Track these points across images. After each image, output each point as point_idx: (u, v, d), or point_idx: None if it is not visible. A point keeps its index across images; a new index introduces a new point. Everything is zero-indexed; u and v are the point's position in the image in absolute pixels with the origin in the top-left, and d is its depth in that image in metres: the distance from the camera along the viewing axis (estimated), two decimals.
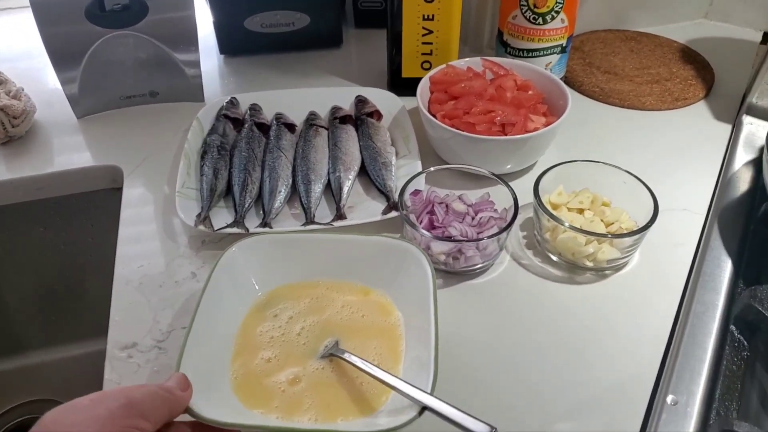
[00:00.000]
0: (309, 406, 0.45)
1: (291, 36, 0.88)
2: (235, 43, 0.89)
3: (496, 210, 0.59)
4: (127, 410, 0.35)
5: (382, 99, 0.75)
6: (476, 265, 0.57)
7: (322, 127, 0.72)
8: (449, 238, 0.56)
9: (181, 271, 0.58)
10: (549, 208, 0.58)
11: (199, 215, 0.60)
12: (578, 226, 0.56)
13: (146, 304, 0.55)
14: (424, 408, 0.40)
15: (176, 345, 0.52)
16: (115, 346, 0.52)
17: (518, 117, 0.65)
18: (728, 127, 0.76)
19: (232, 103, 0.75)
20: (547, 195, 0.60)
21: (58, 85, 0.74)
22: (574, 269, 0.58)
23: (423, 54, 0.77)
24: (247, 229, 0.59)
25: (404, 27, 0.74)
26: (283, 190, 0.64)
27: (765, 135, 0.71)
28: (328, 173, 0.66)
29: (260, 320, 0.51)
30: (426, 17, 0.74)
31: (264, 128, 0.72)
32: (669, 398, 0.46)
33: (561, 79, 0.77)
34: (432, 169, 0.63)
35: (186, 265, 0.59)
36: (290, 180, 0.66)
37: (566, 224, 0.55)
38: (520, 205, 0.57)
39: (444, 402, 0.39)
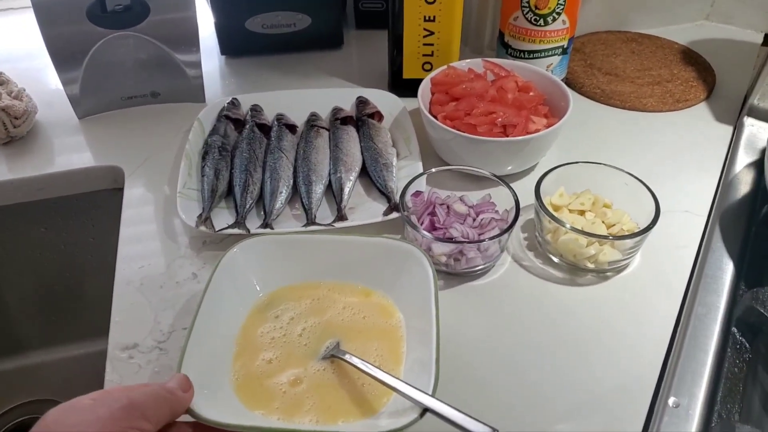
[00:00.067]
0: (310, 407, 0.45)
1: (292, 37, 0.88)
2: (236, 43, 0.89)
3: (497, 211, 0.59)
4: (128, 411, 0.35)
5: (383, 100, 0.75)
6: (477, 266, 0.57)
7: (323, 128, 0.72)
8: (450, 240, 0.56)
9: (182, 271, 0.58)
10: (550, 209, 0.58)
11: (200, 216, 0.60)
12: (579, 228, 0.56)
13: (147, 304, 0.55)
14: (426, 410, 0.39)
15: (177, 346, 0.52)
16: (116, 347, 0.52)
17: (519, 118, 0.65)
18: (729, 129, 0.76)
19: (233, 103, 0.75)
20: (548, 196, 0.60)
21: (60, 86, 0.74)
22: (575, 271, 0.58)
23: (424, 55, 0.77)
24: (248, 230, 0.59)
25: (405, 28, 0.74)
26: (284, 191, 0.64)
27: (766, 137, 0.71)
28: (329, 174, 0.66)
29: (261, 321, 0.51)
30: (427, 18, 0.74)
31: (265, 129, 0.72)
32: (671, 400, 0.46)
33: (562, 80, 0.77)
34: (433, 170, 0.63)
35: (187, 266, 0.59)
36: (291, 181, 0.65)
37: (567, 226, 0.55)
38: (521, 207, 0.57)
39: (445, 404, 0.39)
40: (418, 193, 0.60)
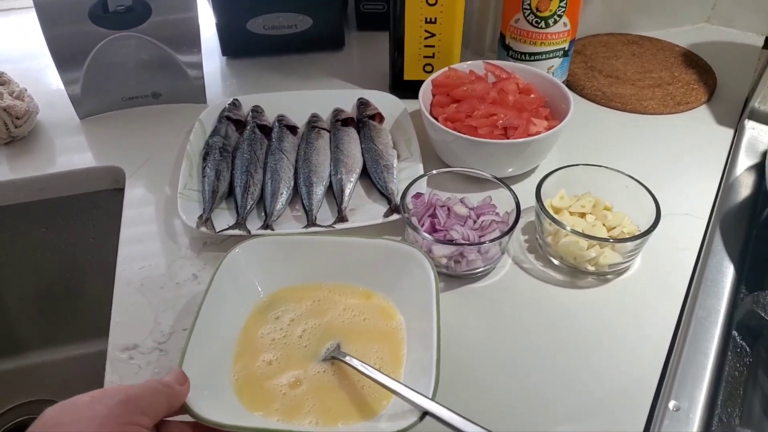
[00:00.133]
0: (309, 409, 0.45)
1: (293, 38, 0.88)
2: (237, 44, 0.89)
3: (497, 213, 0.59)
4: (125, 406, 0.35)
5: (384, 101, 0.75)
6: (478, 268, 0.57)
7: (323, 129, 0.72)
8: (451, 242, 0.56)
9: (183, 272, 0.58)
10: (551, 211, 0.58)
11: (200, 217, 0.60)
12: (580, 231, 0.56)
13: (147, 305, 0.55)
14: (425, 413, 0.39)
15: (177, 347, 0.52)
16: (116, 348, 0.52)
17: (520, 120, 0.65)
18: (730, 132, 0.76)
19: (235, 104, 0.75)
20: (549, 199, 0.60)
21: (61, 86, 0.74)
22: (575, 273, 0.58)
23: (425, 57, 0.77)
24: (249, 231, 0.59)
25: (407, 30, 0.74)
26: (284, 192, 0.64)
27: (767, 140, 0.71)
28: (330, 175, 0.66)
29: (262, 322, 0.51)
30: (428, 20, 0.74)
31: (266, 130, 0.72)
32: (671, 404, 0.46)
33: (563, 82, 0.77)
34: (434, 172, 0.63)
35: (187, 267, 0.59)
36: (292, 182, 0.66)
37: (568, 228, 0.55)
38: (521, 209, 0.57)
39: (445, 407, 0.39)
40: (418, 195, 0.60)
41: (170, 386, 0.39)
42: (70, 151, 0.73)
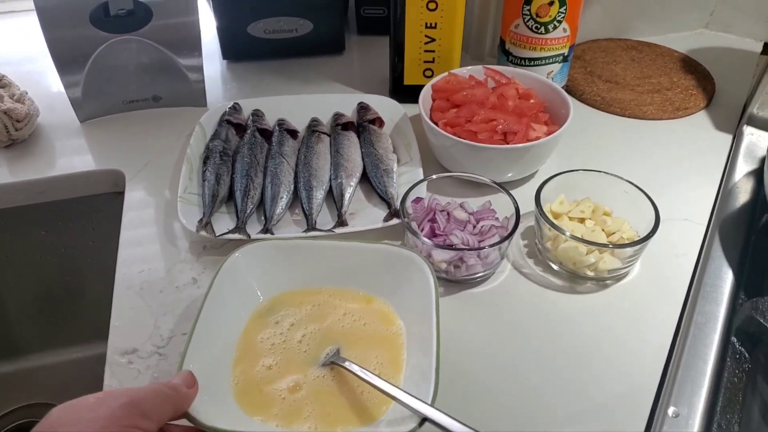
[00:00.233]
0: (309, 414, 0.45)
1: (294, 42, 0.88)
2: (238, 48, 0.89)
3: (497, 218, 0.59)
4: (128, 409, 0.35)
5: (384, 106, 0.76)
6: (477, 273, 0.57)
7: (324, 133, 0.72)
8: (450, 247, 0.56)
9: (182, 276, 0.58)
10: (550, 217, 0.58)
11: (200, 221, 0.60)
12: (579, 236, 0.56)
13: (147, 309, 0.55)
14: (425, 419, 0.40)
15: (177, 351, 0.52)
16: (115, 352, 0.52)
17: (520, 126, 0.65)
18: (729, 138, 0.76)
19: (235, 108, 0.75)
20: (548, 204, 0.60)
21: (62, 89, 0.74)
22: (575, 279, 0.58)
23: (425, 62, 0.77)
24: (249, 235, 0.59)
25: (407, 35, 0.75)
26: (284, 196, 0.64)
27: (766, 146, 0.72)
28: (330, 180, 0.67)
29: (262, 327, 0.51)
30: (428, 25, 0.74)
31: (266, 134, 0.72)
32: (670, 410, 0.46)
33: (562, 87, 0.77)
34: (434, 176, 0.63)
35: (187, 271, 0.59)
36: (292, 186, 0.66)
37: (567, 234, 0.55)
38: (521, 214, 0.57)
39: (444, 413, 0.39)
40: (418, 200, 0.61)
41: (177, 389, 0.39)
42: (71, 154, 0.74)
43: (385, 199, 0.64)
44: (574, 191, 0.62)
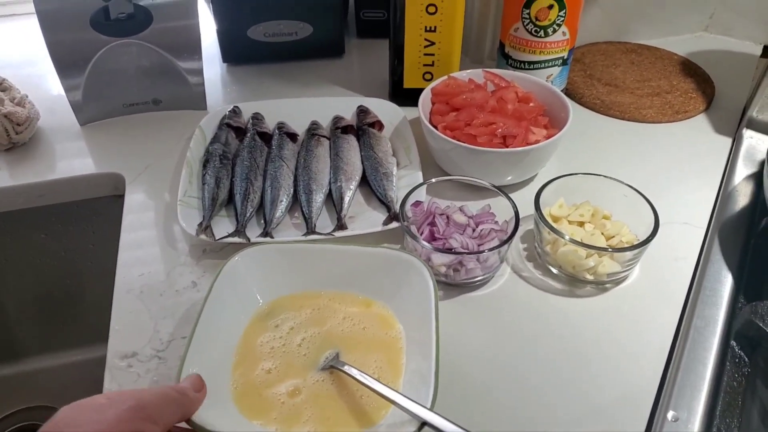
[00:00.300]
0: (308, 418, 0.45)
1: (294, 45, 0.88)
2: (238, 51, 0.89)
3: (496, 222, 0.59)
4: (134, 413, 0.35)
5: (384, 109, 0.76)
6: (477, 277, 0.57)
7: (323, 136, 0.72)
8: (450, 250, 0.56)
9: (182, 280, 0.58)
10: (550, 220, 0.58)
11: (200, 224, 0.60)
12: (579, 240, 0.56)
13: (146, 313, 0.55)
14: (424, 423, 0.40)
15: (176, 355, 0.52)
16: (114, 356, 0.52)
17: (519, 129, 0.65)
18: (728, 141, 0.76)
19: (235, 111, 0.75)
20: (547, 207, 0.61)
21: (62, 92, 0.75)
22: (574, 282, 0.58)
23: (425, 65, 0.77)
24: (249, 239, 0.59)
25: (406, 38, 0.75)
26: (284, 200, 0.64)
27: (765, 149, 0.72)
28: (330, 183, 0.67)
29: (261, 330, 0.51)
30: (428, 29, 0.74)
31: (266, 137, 0.72)
32: (670, 414, 0.46)
33: (562, 91, 0.77)
34: (433, 180, 0.63)
35: (187, 274, 0.59)
36: (292, 189, 0.66)
37: (567, 237, 0.55)
38: (520, 217, 0.57)
39: (444, 418, 0.39)
40: (417, 203, 0.61)
41: (185, 393, 0.40)
42: (71, 158, 0.74)
43: (385, 203, 0.64)
44: (573, 195, 0.62)
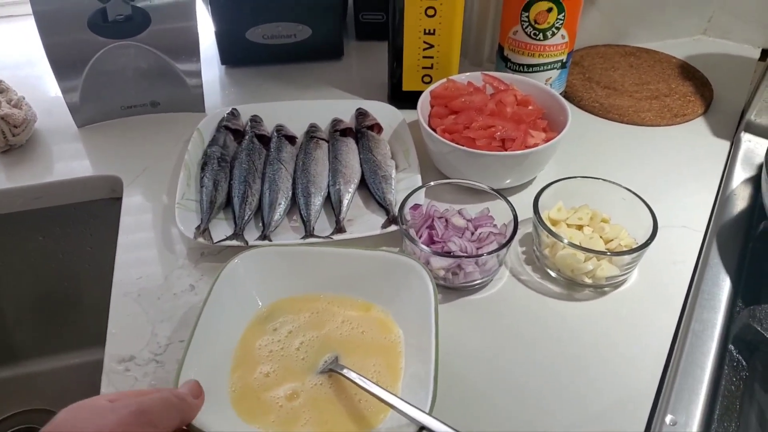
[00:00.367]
0: (306, 421, 0.45)
1: (292, 47, 0.88)
2: (236, 53, 0.89)
3: (495, 225, 0.59)
4: (136, 417, 0.36)
5: (383, 112, 0.76)
6: (475, 280, 0.57)
7: (322, 139, 0.72)
8: (448, 254, 0.56)
9: (180, 283, 0.58)
10: (548, 224, 0.58)
11: (198, 227, 0.60)
12: (577, 243, 0.56)
13: (144, 316, 0.55)
14: (422, 428, 0.39)
15: (174, 358, 0.52)
16: (112, 359, 0.52)
17: (518, 132, 0.65)
18: (727, 144, 0.77)
19: (233, 114, 0.75)
20: (546, 211, 0.61)
21: (59, 94, 0.74)
22: (572, 286, 0.58)
23: (424, 68, 0.77)
24: (247, 242, 0.59)
25: (405, 41, 0.75)
26: (282, 203, 0.64)
27: (763, 153, 0.72)
28: (328, 186, 0.67)
29: (260, 334, 0.51)
30: (427, 31, 0.74)
31: (264, 140, 0.72)
32: (668, 418, 0.46)
33: (561, 94, 0.77)
34: (432, 183, 0.63)
35: (185, 278, 0.59)
36: (290, 192, 0.66)
37: (565, 241, 0.55)
38: (519, 221, 0.57)
39: (442, 422, 0.39)
40: (416, 206, 0.61)
41: (184, 399, 0.40)
42: (68, 160, 0.73)
43: (384, 206, 0.64)
44: (572, 198, 0.62)
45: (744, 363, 0.51)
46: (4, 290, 0.83)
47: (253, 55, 0.89)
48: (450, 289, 0.57)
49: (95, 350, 0.89)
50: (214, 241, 0.59)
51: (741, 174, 0.71)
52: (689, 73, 0.89)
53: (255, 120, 0.74)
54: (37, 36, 0.69)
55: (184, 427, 0.40)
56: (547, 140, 0.65)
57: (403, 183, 0.67)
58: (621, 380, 0.50)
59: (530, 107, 0.70)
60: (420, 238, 0.58)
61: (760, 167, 0.69)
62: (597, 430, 0.47)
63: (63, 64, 0.72)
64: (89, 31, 0.70)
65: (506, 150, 0.65)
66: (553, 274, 0.59)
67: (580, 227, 0.60)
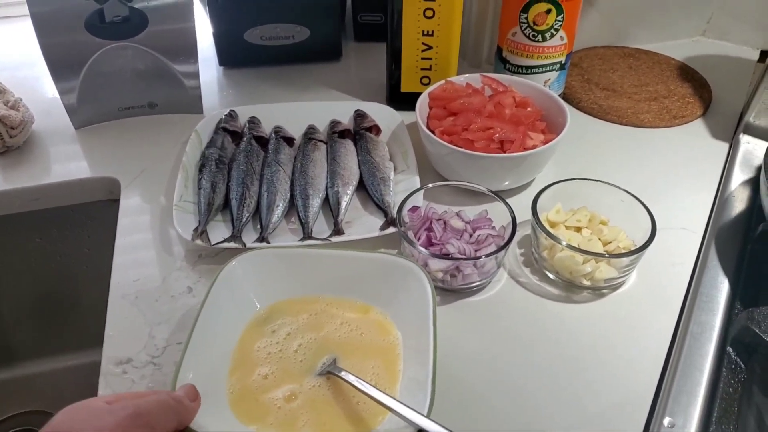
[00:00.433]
0: (304, 423, 0.45)
1: (291, 49, 0.88)
2: (234, 55, 0.89)
3: (493, 227, 0.59)
4: (133, 420, 0.36)
5: (381, 113, 0.76)
6: (474, 282, 0.57)
7: (320, 141, 0.72)
8: (447, 256, 0.56)
9: (178, 285, 0.58)
10: (547, 226, 0.58)
11: (196, 229, 0.60)
12: (576, 245, 0.56)
13: (142, 318, 0.55)
14: (420, 430, 0.39)
15: (171, 361, 0.51)
16: (109, 362, 0.51)
17: (517, 134, 0.65)
18: (725, 146, 0.77)
19: (231, 115, 0.75)
20: (545, 213, 0.60)
21: (57, 95, 0.74)
22: (571, 288, 0.58)
23: (422, 69, 0.77)
24: (244, 244, 0.59)
25: (404, 42, 0.75)
26: (280, 205, 0.64)
27: (762, 154, 0.72)
28: (327, 188, 0.66)
29: (258, 336, 0.51)
30: (425, 33, 0.74)
31: (262, 142, 0.72)
32: (666, 420, 0.46)
33: (559, 95, 0.77)
34: (430, 185, 0.63)
35: (182, 280, 0.58)
36: (288, 194, 0.65)
37: (564, 243, 0.55)
38: (517, 223, 0.57)
39: (440, 425, 0.39)
40: (415, 208, 0.61)
41: (181, 402, 0.40)
42: (66, 161, 0.73)
43: (382, 208, 0.64)
44: (570, 200, 0.62)
45: (742, 365, 0.51)
46: (2, 292, 0.83)
47: (251, 57, 0.89)
48: (448, 291, 0.57)
49: (93, 352, 0.88)
50: (212, 243, 0.59)
51: (740, 176, 0.71)
52: (688, 74, 0.89)
53: (253, 121, 0.74)
54: (35, 37, 0.68)
55: (181, 431, 0.40)
56: (545, 142, 0.65)
57: (401, 185, 0.67)
58: (619, 382, 0.50)
59: (529, 109, 0.70)
60: (418, 240, 0.58)
61: (759, 169, 0.69)
62: (597, 430, 0.47)
63: (60, 66, 0.72)
64: (86, 33, 0.70)
65: (505, 152, 0.64)
66: (551, 276, 0.59)
67: (578, 229, 0.60)
